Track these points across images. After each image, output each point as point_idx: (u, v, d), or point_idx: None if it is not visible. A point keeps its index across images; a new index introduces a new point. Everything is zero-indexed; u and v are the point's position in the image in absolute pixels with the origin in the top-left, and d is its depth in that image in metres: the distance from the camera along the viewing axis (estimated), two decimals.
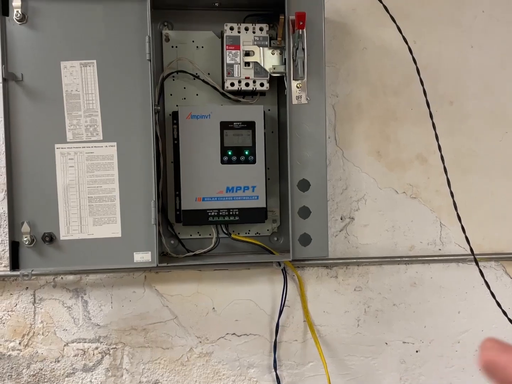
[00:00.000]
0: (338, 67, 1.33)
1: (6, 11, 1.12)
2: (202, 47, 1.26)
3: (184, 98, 1.27)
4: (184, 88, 1.26)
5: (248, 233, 1.30)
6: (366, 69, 1.34)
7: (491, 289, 1.24)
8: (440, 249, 1.38)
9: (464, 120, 1.37)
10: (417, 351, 1.40)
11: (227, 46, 1.19)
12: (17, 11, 1.11)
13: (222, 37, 1.21)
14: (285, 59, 1.19)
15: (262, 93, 1.27)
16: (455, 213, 1.23)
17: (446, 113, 1.36)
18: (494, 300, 1.24)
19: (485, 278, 1.23)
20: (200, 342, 1.33)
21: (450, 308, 1.39)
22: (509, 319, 1.25)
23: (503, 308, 1.24)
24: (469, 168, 1.38)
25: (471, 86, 1.37)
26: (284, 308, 1.32)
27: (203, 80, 1.25)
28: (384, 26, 1.31)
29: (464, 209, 1.27)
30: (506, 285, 1.40)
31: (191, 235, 1.28)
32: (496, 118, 1.38)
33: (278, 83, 1.27)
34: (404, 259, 1.36)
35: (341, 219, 1.35)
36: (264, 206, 1.22)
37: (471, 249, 1.23)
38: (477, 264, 1.24)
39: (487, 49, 1.37)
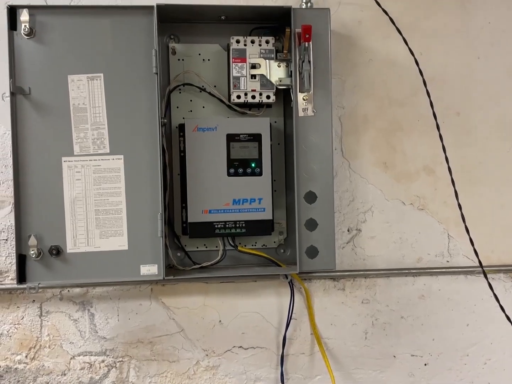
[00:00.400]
0: (344, 79, 1.33)
1: (14, 26, 1.14)
2: (209, 60, 1.26)
3: (191, 111, 1.27)
4: (191, 100, 1.27)
5: (255, 245, 1.30)
6: (372, 81, 1.34)
7: (500, 302, 1.23)
8: (448, 261, 1.37)
9: (471, 131, 1.37)
10: (425, 364, 1.38)
11: (233, 59, 1.19)
12: (25, 26, 1.12)
13: (228, 50, 1.21)
14: (291, 71, 1.19)
15: (268, 106, 1.27)
16: (463, 224, 1.22)
17: (453, 124, 1.35)
18: (503, 313, 1.23)
19: (494, 291, 1.22)
20: (207, 355, 1.32)
21: (458, 320, 1.38)
22: None
23: None
24: (477, 179, 1.37)
25: (478, 97, 1.37)
26: (291, 320, 1.31)
27: (209, 93, 1.25)
28: (389, 38, 1.31)
29: (472, 220, 1.26)
30: None
31: (197, 248, 1.28)
32: (503, 128, 1.38)
33: (284, 95, 1.27)
34: (411, 271, 1.35)
35: (348, 231, 1.35)
36: (271, 218, 1.21)
37: (480, 261, 1.22)
38: (485, 276, 1.23)
39: (493, 60, 1.37)
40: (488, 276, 1.24)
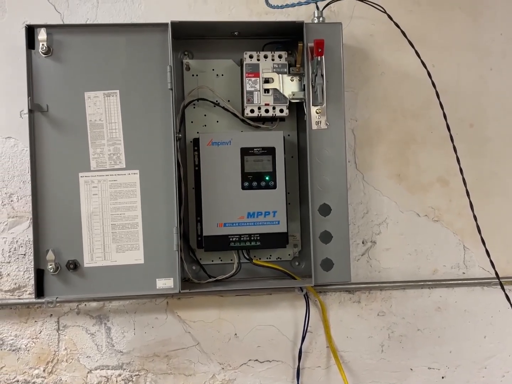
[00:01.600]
0: (357, 91, 1.34)
1: (32, 45, 1.16)
2: (222, 75, 1.28)
3: (205, 125, 1.28)
4: (205, 115, 1.28)
5: (270, 258, 1.30)
6: (385, 93, 1.35)
7: None
8: (464, 273, 1.36)
9: (484, 142, 1.37)
10: (443, 377, 1.37)
11: (246, 74, 1.21)
12: (43, 44, 1.15)
13: (241, 65, 1.23)
14: (304, 85, 1.20)
15: (282, 119, 1.28)
16: (479, 236, 1.21)
17: (467, 136, 1.35)
18: None
19: (511, 302, 1.21)
20: (223, 368, 1.32)
21: (475, 333, 1.37)
22: None
23: None
24: (491, 190, 1.37)
25: (491, 108, 1.37)
26: (307, 333, 1.31)
27: (223, 107, 1.26)
28: (401, 50, 1.32)
29: (487, 231, 1.25)
30: None
31: (212, 261, 1.28)
32: None
33: (297, 108, 1.28)
34: (427, 283, 1.35)
35: (363, 243, 1.34)
36: (285, 231, 1.22)
37: (496, 273, 1.21)
38: (502, 287, 1.22)
39: (506, 71, 1.37)
40: (505, 287, 1.23)
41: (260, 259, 1.28)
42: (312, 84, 1.19)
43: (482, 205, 1.33)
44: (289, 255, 1.30)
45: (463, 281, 1.35)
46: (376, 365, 1.35)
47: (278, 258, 1.30)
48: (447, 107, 1.25)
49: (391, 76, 1.35)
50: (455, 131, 1.28)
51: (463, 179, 1.22)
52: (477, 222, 1.21)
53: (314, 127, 1.20)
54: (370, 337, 1.35)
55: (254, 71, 1.21)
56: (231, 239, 1.21)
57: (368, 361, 1.35)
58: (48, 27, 1.16)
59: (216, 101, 1.27)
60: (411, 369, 1.36)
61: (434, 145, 1.35)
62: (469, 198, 1.21)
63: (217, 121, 1.29)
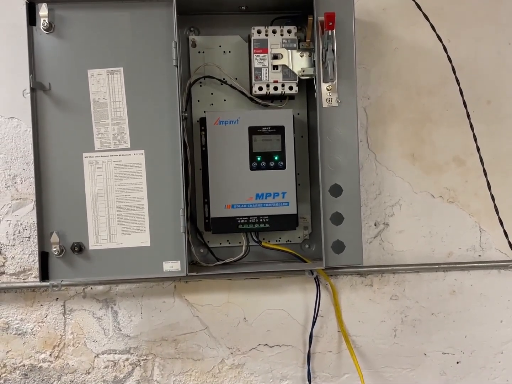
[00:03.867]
0: (369, 68, 1.29)
1: (33, 21, 1.12)
2: (229, 51, 1.24)
3: (212, 104, 1.25)
4: (212, 93, 1.24)
5: (279, 240, 1.27)
6: (399, 70, 1.30)
7: None
8: (480, 255, 1.32)
9: (503, 120, 1.31)
10: (458, 362, 1.34)
11: (254, 50, 1.16)
12: (44, 21, 1.11)
13: (249, 41, 1.18)
14: (314, 61, 1.16)
15: (291, 97, 1.24)
16: (495, 217, 1.18)
17: (484, 113, 1.30)
18: None
19: None
20: (232, 353, 1.29)
21: (492, 317, 1.33)
22: None
23: None
24: (509, 170, 1.31)
25: (509, 84, 1.32)
26: (318, 318, 1.28)
27: (230, 85, 1.23)
28: (416, 25, 1.27)
29: (506, 213, 1.21)
30: None
31: (220, 243, 1.25)
32: None
33: (307, 86, 1.24)
34: (442, 266, 1.31)
35: (375, 225, 1.31)
36: (295, 212, 1.18)
37: None
38: None
39: None
40: None
41: (269, 241, 1.25)
42: (322, 59, 1.14)
43: (499, 185, 1.28)
44: (299, 237, 1.27)
45: (479, 264, 1.31)
46: (389, 350, 1.32)
47: (288, 240, 1.27)
48: (464, 84, 1.20)
49: (405, 51, 1.30)
50: (472, 108, 1.24)
51: (480, 158, 1.17)
52: (495, 202, 1.16)
53: (325, 104, 1.16)
54: (383, 321, 1.32)
55: (263, 46, 1.16)
56: (239, 221, 1.17)
57: (380, 345, 1.32)
58: (49, 2, 1.12)
59: (223, 78, 1.23)
60: (425, 354, 1.33)
61: (450, 123, 1.30)
62: (486, 177, 1.17)
63: (225, 100, 1.25)
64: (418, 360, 1.33)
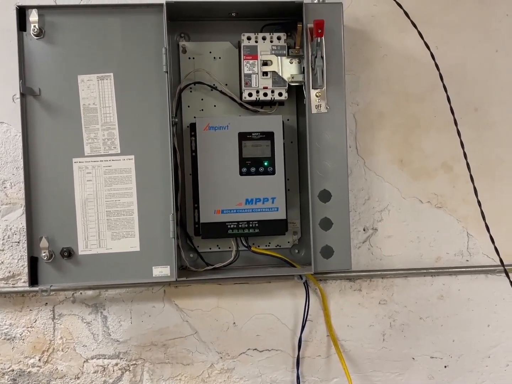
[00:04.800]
0: (358, 75, 1.30)
1: (23, 26, 1.13)
2: (220, 57, 1.24)
3: (202, 110, 1.25)
4: (202, 99, 1.25)
5: (269, 245, 1.27)
6: (387, 77, 1.31)
7: None
8: (467, 260, 1.33)
9: (490, 126, 1.33)
10: (445, 367, 1.35)
11: (244, 56, 1.17)
12: (34, 26, 1.11)
13: (239, 47, 1.19)
14: (303, 68, 1.17)
15: (281, 103, 1.25)
16: (483, 222, 1.18)
17: (471, 120, 1.32)
18: None
19: None
20: (221, 357, 1.30)
21: (479, 321, 1.34)
22: None
23: None
24: (496, 176, 1.33)
25: (496, 91, 1.33)
26: (307, 322, 1.29)
27: (220, 91, 1.23)
28: (404, 32, 1.28)
29: (492, 218, 1.22)
30: None
31: (210, 248, 1.26)
32: None
33: (297, 92, 1.25)
34: (430, 270, 1.32)
35: (364, 230, 1.32)
36: (285, 217, 1.19)
37: (501, 260, 1.18)
38: (507, 275, 1.19)
39: None
40: (510, 275, 1.20)
41: (258, 246, 1.25)
42: (311, 66, 1.15)
43: (486, 191, 1.30)
44: (288, 242, 1.28)
45: (467, 269, 1.32)
46: (377, 354, 1.33)
47: (277, 245, 1.28)
48: (451, 91, 1.21)
49: (393, 58, 1.31)
50: (460, 115, 1.25)
51: (467, 164, 1.18)
52: (481, 208, 1.17)
53: (314, 111, 1.17)
54: (371, 325, 1.32)
55: (252, 53, 1.17)
56: (229, 226, 1.18)
57: (369, 350, 1.33)
58: (40, 8, 1.12)
59: (213, 84, 1.24)
60: (413, 358, 1.34)
61: (438, 129, 1.32)
62: (473, 183, 1.18)
63: (215, 105, 1.25)
64: (406, 364, 1.34)
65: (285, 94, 1.19)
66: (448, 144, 1.31)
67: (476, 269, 1.32)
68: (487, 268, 1.32)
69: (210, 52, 1.24)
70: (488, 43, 1.33)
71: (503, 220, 1.32)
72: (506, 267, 1.19)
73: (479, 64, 1.33)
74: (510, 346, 1.35)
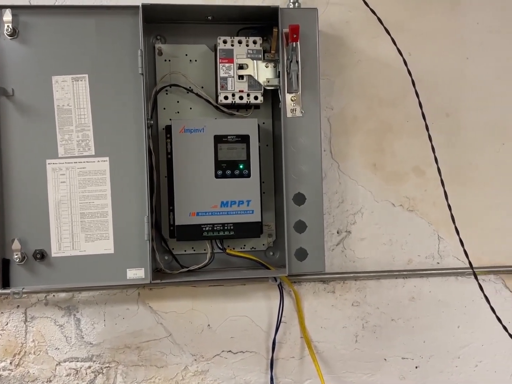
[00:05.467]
0: (333, 79, 1.32)
1: None
2: (196, 60, 1.25)
3: (178, 112, 1.25)
4: (178, 102, 1.25)
5: (244, 248, 1.28)
6: (361, 82, 1.33)
7: (491, 303, 1.22)
8: (438, 263, 1.36)
9: (461, 132, 1.36)
10: (416, 367, 1.37)
11: (220, 60, 1.18)
12: (8, 26, 1.10)
13: (215, 51, 1.20)
14: (279, 72, 1.18)
15: (257, 107, 1.25)
16: (453, 226, 1.21)
17: (443, 125, 1.35)
18: (493, 314, 1.22)
19: (485, 292, 1.21)
20: (195, 360, 1.30)
21: (449, 322, 1.37)
22: (509, 334, 1.23)
23: (503, 322, 1.22)
24: (467, 181, 1.36)
25: (467, 98, 1.36)
26: (281, 324, 1.30)
27: (196, 94, 1.24)
28: (378, 38, 1.30)
29: (463, 222, 1.25)
30: (505, 299, 1.37)
31: (185, 251, 1.26)
32: (493, 129, 1.37)
33: (272, 96, 1.26)
34: (402, 273, 1.34)
35: (338, 232, 1.33)
36: (259, 220, 1.20)
37: (470, 263, 1.21)
38: (476, 277, 1.22)
39: (482, 60, 1.36)
40: (479, 277, 1.24)
41: (234, 249, 1.26)
42: (287, 70, 1.17)
43: (457, 195, 1.32)
44: (263, 245, 1.29)
45: (437, 271, 1.35)
46: (350, 355, 1.34)
47: (253, 248, 1.28)
48: (423, 96, 1.24)
49: (367, 64, 1.33)
50: (431, 120, 1.28)
51: (438, 169, 1.21)
52: (452, 211, 1.20)
53: (289, 115, 1.18)
54: (344, 327, 1.34)
55: (228, 56, 1.18)
56: (204, 229, 1.18)
57: (342, 351, 1.34)
58: (13, 8, 1.11)
59: (189, 87, 1.24)
60: (385, 359, 1.36)
61: (410, 134, 1.34)
62: (443, 187, 1.21)
63: (191, 108, 1.25)
64: (378, 365, 1.36)
65: (260, 98, 1.20)
66: (419, 149, 1.33)
67: (447, 271, 1.35)
68: (457, 271, 1.35)
69: (186, 55, 1.24)
70: (459, 50, 1.36)
71: (472, 224, 1.35)
72: (475, 270, 1.23)
73: (450, 71, 1.36)
74: (479, 346, 1.38)
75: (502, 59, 1.37)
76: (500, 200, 1.37)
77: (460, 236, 1.21)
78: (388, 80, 1.33)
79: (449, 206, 1.19)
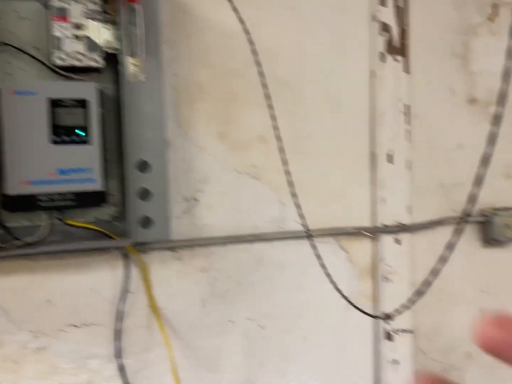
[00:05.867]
0: (178, 46, 1.30)
1: None
2: (28, 18, 1.16)
3: (11, 74, 1.16)
4: (9, 62, 1.15)
5: (86, 219, 1.23)
6: (207, 50, 1.33)
7: (327, 263, 1.30)
8: (281, 227, 1.43)
9: (302, 103, 1.43)
10: (262, 328, 1.44)
11: (54, 18, 1.11)
12: None
13: (48, 8, 1.12)
14: (120, 34, 1.14)
15: (98, 71, 1.20)
16: (294, 191, 1.28)
17: (285, 96, 1.40)
18: (326, 275, 1.31)
19: (321, 253, 1.30)
20: (35, 337, 1.23)
21: (290, 283, 1.45)
22: (342, 295, 1.32)
23: (336, 283, 1.31)
24: (306, 150, 1.44)
25: (307, 70, 1.43)
26: (128, 294, 1.28)
27: (29, 55, 1.15)
28: (224, 6, 1.31)
29: (303, 188, 1.33)
30: (340, 259, 1.49)
31: (20, 223, 1.18)
32: (331, 102, 1.45)
33: (116, 60, 1.21)
34: (247, 238, 1.39)
35: (185, 200, 1.34)
36: (102, 189, 1.16)
37: (306, 225, 1.29)
38: (309, 238, 1.30)
39: (321, 35, 1.43)
40: (318, 240, 1.32)
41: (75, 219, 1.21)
42: (127, 34, 1.13)
43: (297, 163, 1.39)
44: (107, 214, 1.25)
45: (280, 235, 1.42)
46: (198, 320, 1.37)
47: (96, 218, 1.24)
48: (267, 67, 1.28)
49: (213, 32, 1.33)
50: (274, 91, 1.32)
51: (277, 136, 1.26)
52: (291, 177, 1.27)
53: (131, 79, 1.15)
54: (193, 293, 1.36)
55: (63, 15, 1.11)
56: (40, 199, 1.12)
57: (190, 317, 1.36)
58: None
59: (22, 47, 1.15)
60: (232, 322, 1.40)
61: (255, 104, 1.37)
62: (283, 155, 1.26)
63: (25, 70, 1.17)
64: (225, 328, 1.40)
65: (100, 61, 1.15)
66: (263, 118, 1.37)
67: (287, 236, 1.42)
68: (297, 234, 1.43)
69: (17, 11, 1.15)
70: (299, 24, 1.41)
71: (312, 190, 1.44)
72: (311, 232, 1.31)
73: (292, 44, 1.41)
74: (318, 304, 1.48)
75: (338, 34, 1.45)
76: (337, 168, 1.47)
77: (300, 201, 1.28)
78: (233, 49, 1.35)
79: (286, 171, 1.25)
